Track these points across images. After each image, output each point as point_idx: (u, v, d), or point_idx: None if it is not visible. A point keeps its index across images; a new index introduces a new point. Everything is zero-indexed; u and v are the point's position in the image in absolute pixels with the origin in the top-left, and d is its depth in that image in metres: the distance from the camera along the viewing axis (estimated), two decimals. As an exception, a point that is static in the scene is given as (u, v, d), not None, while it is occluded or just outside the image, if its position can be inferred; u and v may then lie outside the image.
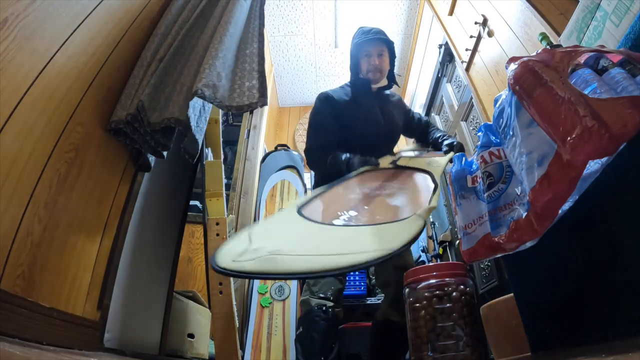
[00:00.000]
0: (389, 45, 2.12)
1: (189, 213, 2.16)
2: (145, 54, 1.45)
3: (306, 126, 2.13)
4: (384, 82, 2.13)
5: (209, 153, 1.99)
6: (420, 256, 3.59)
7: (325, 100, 2.05)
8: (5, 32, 0.89)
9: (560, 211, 0.73)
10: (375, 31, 2.12)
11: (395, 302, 1.72)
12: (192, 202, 2.62)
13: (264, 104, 1.49)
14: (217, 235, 1.76)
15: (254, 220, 3.38)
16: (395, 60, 2.19)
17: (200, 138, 1.51)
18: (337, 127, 1.95)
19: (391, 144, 2.11)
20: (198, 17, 1.70)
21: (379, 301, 3.16)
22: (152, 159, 1.51)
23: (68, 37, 1.12)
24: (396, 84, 2.21)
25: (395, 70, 2.22)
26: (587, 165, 0.64)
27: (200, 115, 1.49)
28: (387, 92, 2.20)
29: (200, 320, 2.01)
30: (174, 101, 1.40)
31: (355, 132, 1.96)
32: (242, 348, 2.71)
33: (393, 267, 1.82)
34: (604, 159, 0.64)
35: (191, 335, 1.86)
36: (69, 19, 1.12)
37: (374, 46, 2.07)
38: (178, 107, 1.38)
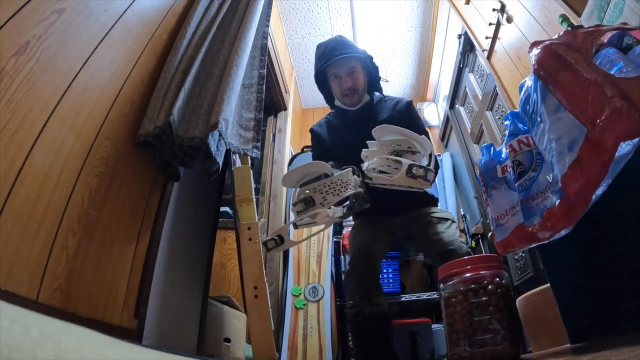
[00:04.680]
0: (359, 57, 1.86)
1: (219, 219, 2.20)
2: (168, 67, 1.49)
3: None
4: (366, 98, 1.91)
5: (236, 159, 2.01)
6: (453, 250, 3.54)
7: (312, 137, 2.03)
8: (28, 54, 0.92)
9: (594, 196, 0.71)
10: (337, 47, 1.83)
11: None
12: (222, 209, 2.66)
13: (257, 156, 1.63)
14: (250, 239, 1.78)
15: (284, 222, 3.41)
16: (376, 65, 1.93)
17: (220, 160, 1.54)
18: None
19: None
20: (217, 28, 1.74)
21: (414, 298, 3.13)
22: (181, 168, 1.54)
23: (90, 55, 1.15)
24: (380, 92, 1.99)
25: (382, 75, 2.00)
26: (619, 147, 0.62)
27: (219, 139, 1.52)
28: (380, 100, 1.97)
29: (236, 324, 2.03)
30: (203, 120, 1.43)
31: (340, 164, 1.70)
32: (279, 350, 2.73)
33: (436, 254, 1.70)
34: (636, 140, 0.62)
35: (227, 340, 1.89)
36: (89, 38, 1.16)
37: (340, 66, 1.83)
38: (206, 127, 1.42)
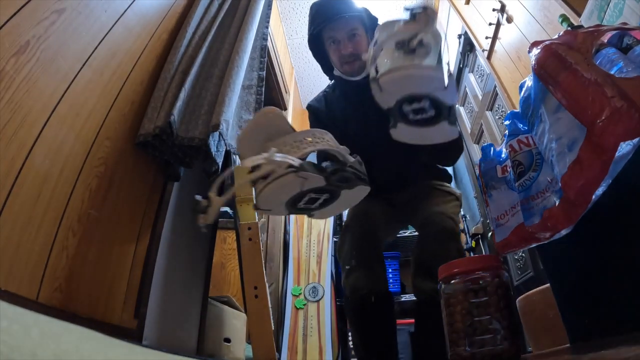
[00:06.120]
0: (361, 17, 1.53)
1: (219, 219, 2.19)
2: (168, 67, 1.49)
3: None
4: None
5: (236, 159, 2.01)
6: (452, 250, 3.54)
7: (309, 115, 1.76)
8: (28, 55, 0.93)
9: (594, 197, 0.71)
10: (335, 5, 1.51)
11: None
12: (222, 209, 2.65)
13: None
14: (250, 239, 1.78)
15: (285, 223, 3.40)
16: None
17: (220, 161, 1.54)
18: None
19: (397, 152, 1.34)
20: (217, 28, 1.74)
21: (414, 298, 3.13)
22: (181, 168, 1.54)
23: (90, 55, 1.15)
24: None
25: None
26: (619, 148, 0.62)
27: (219, 140, 1.52)
28: None
29: (235, 324, 2.03)
30: (203, 120, 1.43)
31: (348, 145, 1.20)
32: (279, 350, 2.73)
33: (419, 226, 1.56)
34: (636, 140, 0.62)
35: (227, 340, 1.89)
36: (89, 38, 1.16)
37: (339, 29, 1.50)
38: (206, 127, 1.42)
